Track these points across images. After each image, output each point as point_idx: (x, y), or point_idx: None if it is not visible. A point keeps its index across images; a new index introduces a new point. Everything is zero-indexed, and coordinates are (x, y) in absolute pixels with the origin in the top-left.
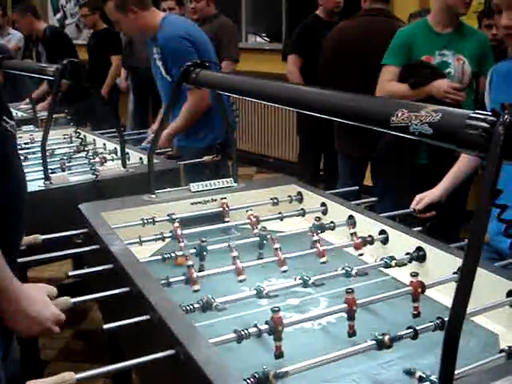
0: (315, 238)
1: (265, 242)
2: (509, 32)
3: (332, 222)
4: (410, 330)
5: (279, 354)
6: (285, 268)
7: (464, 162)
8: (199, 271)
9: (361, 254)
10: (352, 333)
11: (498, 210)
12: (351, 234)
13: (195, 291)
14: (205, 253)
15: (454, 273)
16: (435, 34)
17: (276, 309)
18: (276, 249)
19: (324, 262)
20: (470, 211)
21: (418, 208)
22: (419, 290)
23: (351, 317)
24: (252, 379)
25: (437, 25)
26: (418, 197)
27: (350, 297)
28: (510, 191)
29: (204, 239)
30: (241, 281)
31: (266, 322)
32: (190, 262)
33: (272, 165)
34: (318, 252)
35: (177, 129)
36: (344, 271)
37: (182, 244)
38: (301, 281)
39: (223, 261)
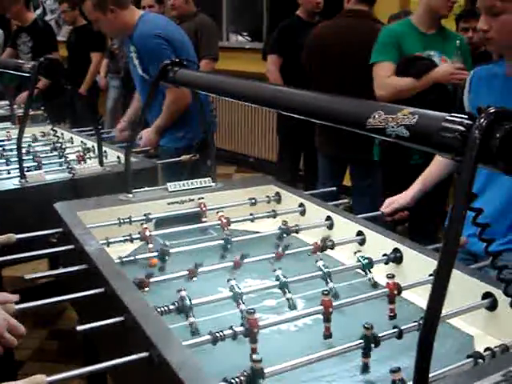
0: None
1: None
2: (484, 35)
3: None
4: (395, 330)
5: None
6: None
7: (436, 166)
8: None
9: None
10: (328, 335)
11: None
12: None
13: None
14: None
15: (430, 275)
16: (421, 33)
17: (251, 311)
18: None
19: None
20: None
21: (386, 211)
22: (395, 291)
23: (327, 319)
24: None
25: (421, 25)
26: (387, 200)
27: (326, 299)
28: (487, 195)
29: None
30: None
31: (242, 324)
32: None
33: (251, 164)
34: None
35: (159, 127)
36: (320, 272)
37: (150, 246)
38: (277, 282)
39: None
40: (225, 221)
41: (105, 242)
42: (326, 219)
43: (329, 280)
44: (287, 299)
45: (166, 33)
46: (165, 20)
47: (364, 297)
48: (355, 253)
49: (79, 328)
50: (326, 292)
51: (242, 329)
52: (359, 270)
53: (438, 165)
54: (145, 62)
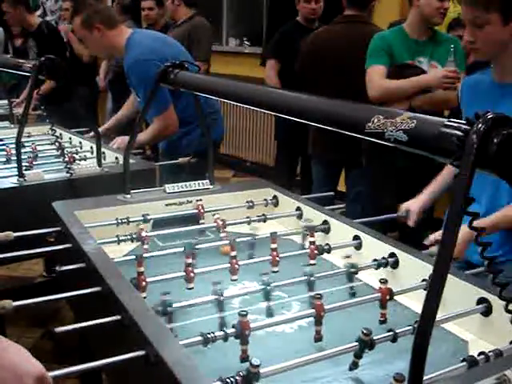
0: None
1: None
2: (470, 46)
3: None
4: (390, 333)
5: (245, 358)
6: (235, 277)
7: (448, 173)
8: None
9: (313, 264)
10: (318, 338)
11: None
12: (310, 243)
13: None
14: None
15: (423, 280)
16: (412, 41)
17: (243, 313)
18: (233, 256)
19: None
20: (436, 219)
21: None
22: (387, 296)
23: (318, 322)
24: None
25: (413, 32)
26: (403, 207)
27: (318, 302)
28: (483, 199)
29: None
30: (190, 288)
31: (233, 326)
32: (141, 269)
33: (249, 168)
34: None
35: (137, 144)
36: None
37: (145, 246)
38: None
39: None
40: (221, 223)
41: (102, 241)
42: (323, 223)
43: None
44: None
45: (152, 55)
46: (151, 38)
47: (357, 301)
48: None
49: (75, 326)
50: (318, 296)
51: (233, 330)
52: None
53: (450, 172)
54: (134, 87)
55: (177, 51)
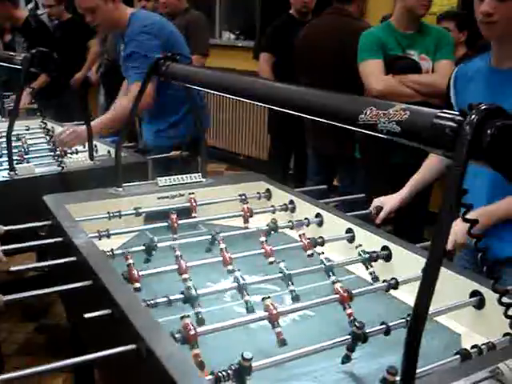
0: (262, 238)
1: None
2: (487, 19)
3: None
4: (383, 326)
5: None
6: (230, 267)
7: (428, 168)
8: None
9: (310, 255)
10: (352, 320)
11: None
12: (299, 235)
13: (136, 289)
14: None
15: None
16: (400, 34)
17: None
18: (222, 249)
19: (271, 262)
20: (432, 212)
21: (375, 214)
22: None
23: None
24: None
25: (400, 26)
26: (375, 200)
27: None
28: (476, 191)
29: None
30: (185, 279)
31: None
32: (130, 261)
33: (242, 162)
34: (266, 252)
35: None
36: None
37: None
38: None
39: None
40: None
41: (94, 235)
42: (316, 216)
43: (331, 274)
44: (290, 291)
45: (156, 28)
46: (155, 17)
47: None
48: (357, 247)
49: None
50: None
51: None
52: (347, 266)
53: (430, 169)
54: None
55: (178, 34)
